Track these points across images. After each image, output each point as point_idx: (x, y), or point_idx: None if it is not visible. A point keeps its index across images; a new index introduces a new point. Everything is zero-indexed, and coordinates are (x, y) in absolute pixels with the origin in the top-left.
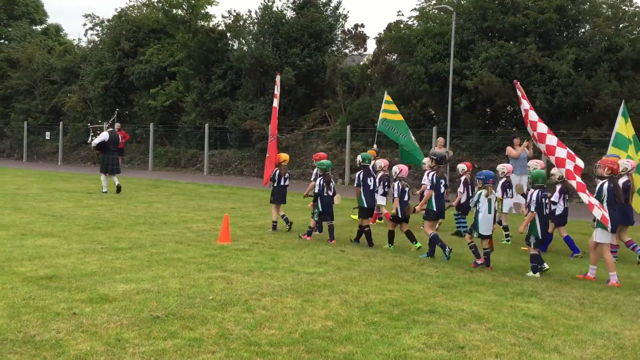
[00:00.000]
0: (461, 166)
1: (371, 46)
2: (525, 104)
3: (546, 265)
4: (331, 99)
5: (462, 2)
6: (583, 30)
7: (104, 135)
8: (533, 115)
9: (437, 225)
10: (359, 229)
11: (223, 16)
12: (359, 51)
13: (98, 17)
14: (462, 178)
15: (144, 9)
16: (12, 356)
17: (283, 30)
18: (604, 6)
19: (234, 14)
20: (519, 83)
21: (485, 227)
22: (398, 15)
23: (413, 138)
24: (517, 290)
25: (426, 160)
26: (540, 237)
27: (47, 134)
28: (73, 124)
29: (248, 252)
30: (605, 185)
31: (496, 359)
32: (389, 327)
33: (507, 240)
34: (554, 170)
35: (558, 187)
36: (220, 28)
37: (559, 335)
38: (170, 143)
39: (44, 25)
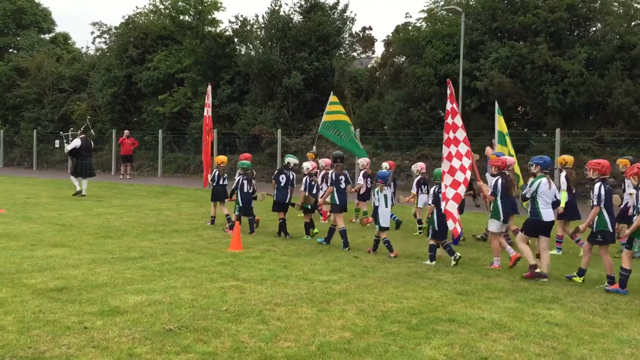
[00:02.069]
0: (384, 164)
1: (379, 49)
2: (449, 105)
3: (458, 254)
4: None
5: (471, 3)
6: (594, 28)
7: (76, 142)
8: (458, 120)
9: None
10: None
11: (230, 21)
12: (367, 54)
13: (105, 25)
14: (362, 172)
15: (151, 15)
16: None
17: (290, 34)
18: (615, 4)
19: (241, 19)
20: (450, 83)
21: (384, 219)
22: (406, 17)
23: (356, 136)
24: (538, 297)
25: (361, 160)
26: (437, 229)
27: (57, 142)
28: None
29: (260, 260)
30: (499, 181)
31: None
32: (408, 337)
33: (420, 232)
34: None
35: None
36: (227, 33)
37: (584, 344)
38: (180, 149)
39: (52, 34)
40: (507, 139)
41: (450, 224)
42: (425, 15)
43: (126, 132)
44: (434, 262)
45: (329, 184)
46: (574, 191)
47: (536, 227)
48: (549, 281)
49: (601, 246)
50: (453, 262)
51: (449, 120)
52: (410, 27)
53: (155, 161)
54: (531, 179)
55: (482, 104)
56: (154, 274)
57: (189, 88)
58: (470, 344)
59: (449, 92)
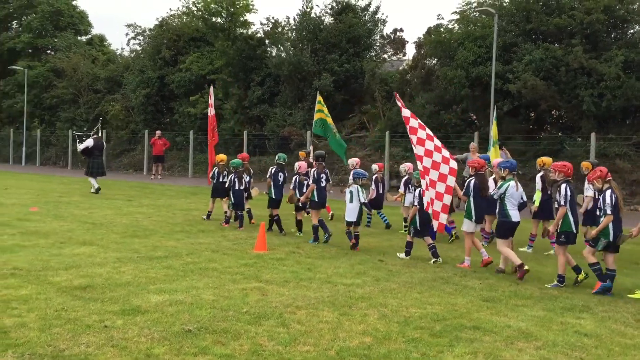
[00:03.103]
0: (374, 167)
1: (410, 51)
2: (405, 112)
3: (440, 260)
4: (370, 105)
5: (505, 4)
6: (632, 30)
7: (89, 142)
8: (413, 122)
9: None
10: (269, 219)
11: (261, 23)
12: (398, 56)
13: (140, 26)
14: (374, 177)
15: (184, 17)
16: None
17: (321, 36)
18: None
19: (273, 20)
20: (397, 95)
21: (349, 214)
22: (438, 18)
23: (337, 136)
24: (567, 305)
25: (350, 161)
26: (419, 228)
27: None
28: (116, 132)
29: (284, 262)
30: (472, 182)
31: None
32: (431, 344)
33: (405, 230)
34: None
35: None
36: (258, 35)
37: (614, 356)
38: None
39: (89, 36)
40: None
41: (435, 224)
42: (458, 16)
43: (158, 132)
44: (408, 257)
45: (310, 182)
46: (549, 192)
47: (507, 228)
48: (579, 290)
49: (561, 246)
50: (432, 261)
51: (412, 124)
52: (442, 29)
53: (186, 162)
54: (500, 182)
55: (515, 107)
56: (177, 274)
57: (219, 89)
58: (495, 353)
59: (399, 103)
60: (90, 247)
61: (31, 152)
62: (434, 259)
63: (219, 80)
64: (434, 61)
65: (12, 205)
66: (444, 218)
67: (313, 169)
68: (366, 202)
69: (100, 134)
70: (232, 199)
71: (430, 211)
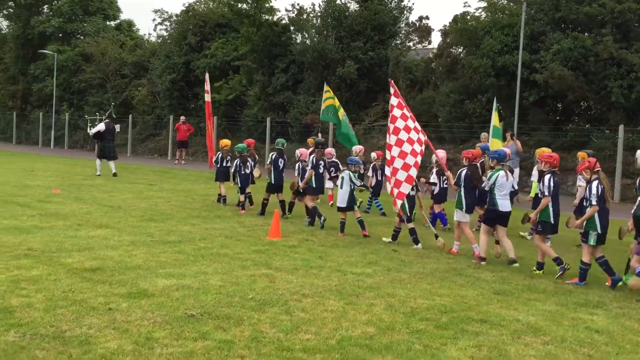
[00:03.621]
0: (372, 154)
1: (436, 39)
2: (393, 100)
3: (420, 246)
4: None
5: None
6: None
7: (100, 126)
8: (396, 112)
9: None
10: (263, 202)
11: (287, 10)
12: (423, 44)
13: (167, 12)
14: (372, 164)
15: (210, 3)
16: (38, 352)
17: (346, 23)
18: None
19: (298, 7)
20: (392, 81)
21: (340, 200)
22: (464, 6)
23: (348, 123)
24: (581, 300)
25: (355, 147)
26: (409, 215)
27: (117, 126)
28: (142, 116)
29: (296, 249)
30: (464, 173)
31: None
32: (435, 336)
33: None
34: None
35: (434, 170)
36: (283, 22)
37: (624, 354)
38: (234, 136)
39: (118, 21)
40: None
41: (399, 203)
42: (485, 4)
43: (182, 118)
44: (419, 244)
45: (309, 168)
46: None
47: (493, 217)
48: (595, 285)
49: (538, 235)
50: (413, 247)
51: (395, 113)
52: (468, 17)
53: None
54: (489, 172)
55: (541, 97)
56: (188, 259)
57: (244, 76)
58: (500, 347)
59: (392, 90)
60: (106, 230)
61: (60, 136)
62: (414, 245)
63: (243, 67)
64: (460, 50)
65: (36, 187)
66: (398, 203)
67: (312, 155)
68: (366, 185)
69: (112, 119)
70: (239, 182)
71: (394, 193)
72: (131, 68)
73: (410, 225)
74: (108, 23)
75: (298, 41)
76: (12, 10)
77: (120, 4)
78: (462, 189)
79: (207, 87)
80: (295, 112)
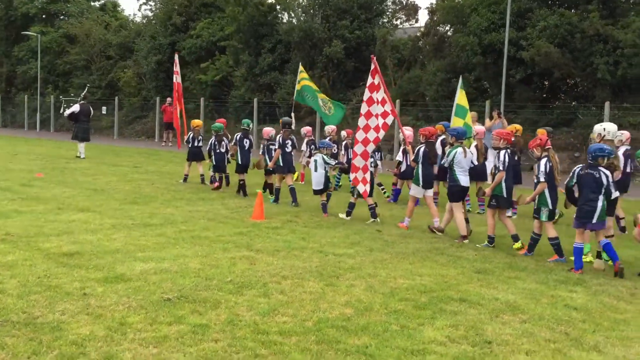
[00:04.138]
0: (342, 133)
1: (423, 17)
2: (374, 80)
3: (378, 220)
4: (381, 73)
5: None
6: None
7: (75, 107)
8: (373, 94)
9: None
10: (239, 183)
11: None
12: (410, 22)
13: None
14: (344, 143)
15: None
16: (8, 339)
17: (332, 1)
18: None
19: None
20: (374, 58)
21: (315, 183)
22: None
23: (321, 103)
24: (562, 278)
25: (327, 128)
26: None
27: (104, 108)
28: (128, 98)
29: (279, 231)
30: (422, 150)
31: (526, 357)
32: (412, 316)
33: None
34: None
35: (401, 148)
36: (270, 1)
37: (601, 331)
38: (221, 117)
39: (102, 1)
40: (469, 114)
41: (361, 187)
42: None
43: (168, 99)
44: (349, 217)
45: (276, 147)
46: (516, 157)
47: (457, 191)
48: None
49: (495, 210)
50: (371, 221)
51: (375, 96)
52: None
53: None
54: (448, 149)
55: (528, 75)
56: (168, 242)
57: (230, 56)
58: (477, 326)
59: (372, 66)
60: (87, 214)
61: (46, 119)
62: (372, 219)
63: (229, 47)
64: (447, 28)
65: (18, 170)
66: (362, 188)
67: (279, 135)
68: (341, 162)
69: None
70: (214, 161)
71: (356, 175)
72: (116, 49)
73: (370, 201)
74: (92, 4)
75: (284, 21)
76: None
77: None
78: (420, 165)
79: (177, 68)
80: (282, 92)
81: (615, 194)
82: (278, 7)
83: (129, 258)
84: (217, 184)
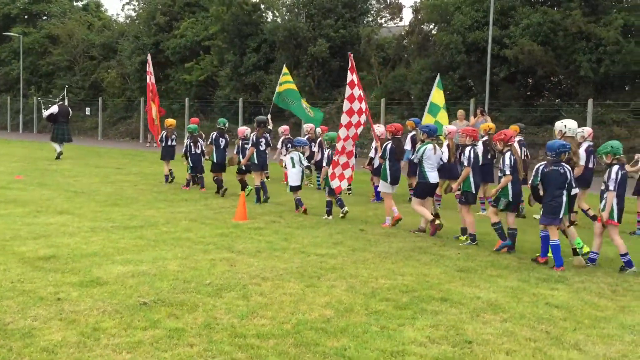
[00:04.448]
0: (317, 130)
1: (407, 16)
2: (353, 77)
3: (346, 209)
4: (366, 72)
5: None
6: None
7: (54, 109)
8: (354, 91)
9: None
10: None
11: None
12: (395, 21)
13: None
14: (318, 140)
15: None
16: None
17: (317, 1)
18: None
19: None
20: (351, 55)
21: (292, 179)
22: None
23: (304, 105)
24: (544, 276)
25: (305, 126)
26: (333, 187)
27: (87, 109)
28: (112, 99)
29: (262, 232)
30: (389, 146)
31: (507, 357)
32: (393, 317)
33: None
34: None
35: (373, 145)
36: (254, 0)
37: (582, 329)
38: (206, 118)
39: (85, 1)
40: (443, 112)
41: (335, 182)
42: None
43: None
44: (330, 217)
45: (249, 146)
46: (489, 156)
47: (425, 189)
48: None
49: (463, 205)
50: (341, 215)
51: (355, 92)
52: None
53: (182, 129)
54: (418, 145)
55: (512, 73)
56: (148, 244)
57: (215, 56)
58: (458, 326)
59: (350, 64)
60: (65, 216)
61: (28, 120)
62: (341, 213)
63: (214, 47)
64: (432, 26)
65: None
66: (345, 184)
67: (253, 133)
68: (309, 166)
69: (65, 101)
70: (190, 162)
71: (334, 171)
72: (99, 50)
73: (329, 198)
74: (75, 4)
75: (269, 20)
76: None
77: None
78: (387, 162)
79: (150, 68)
80: (267, 92)
81: (575, 190)
82: (262, 6)
83: (106, 261)
84: (201, 187)
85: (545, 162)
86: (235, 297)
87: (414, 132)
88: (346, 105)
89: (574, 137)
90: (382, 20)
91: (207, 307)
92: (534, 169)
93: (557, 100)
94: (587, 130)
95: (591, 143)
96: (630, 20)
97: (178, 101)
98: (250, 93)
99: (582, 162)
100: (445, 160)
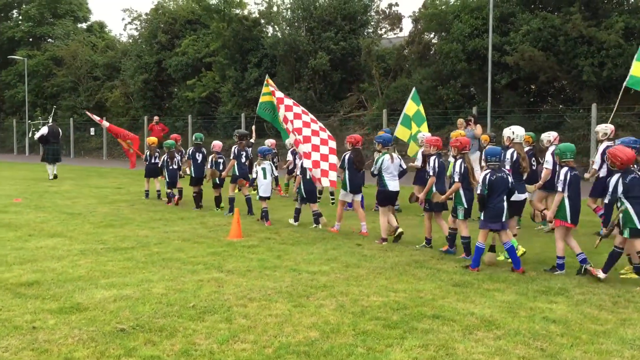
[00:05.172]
0: (289, 141)
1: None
2: (279, 94)
3: (320, 226)
4: (367, 83)
5: None
6: None
7: (44, 130)
8: (287, 101)
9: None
10: (193, 196)
11: (256, 2)
12: (395, 32)
13: (136, 11)
14: (291, 150)
15: (180, 0)
16: None
17: (316, 13)
18: None
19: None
20: (268, 77)
21: (263, 190)
22: None
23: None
24: (543, 288)
25: (288, 141)
26: (305, 195)
27: (92, 130)
28: (116, 118)
29: (255, 250)
30: (347, 156)
31: None
32: (381, 337)
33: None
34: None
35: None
36: (254, 15)
37: (579, 345)
38: (209, 134)
39: (89, 23)
40: (413, 123)
41: (326, 180)
42: None
43: (155, 118)
44: (297, 223)
45: (231, 158)
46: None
47: (385, 197)
48: (559, 271)
49: (430, 213)
50: (314, 225)
51: (287, 102)
52: (437, 2)
53: (185, 147)
54: (376, 156)
55: (514, 80)
56: (136, 266)
57: (216, 72)
58: (448, 345)
59: (270, 88)
60: (56, 239)
61: (35, 142)
62: (315, 224)
63: (215, 63)
64: (432, 35)
65: None
66: (333, 175)
67: (234, 146)
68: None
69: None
70: (167, 177)
71: (315, 173)
72: (103, 70)
73: (298, 205)
74: (79, 25)
75: (269, 34)
76: None
77: (91, 5)
78: (347, 171)
79: (95, 118)
80: None
81: (522, 195)
82: (262, 21)
83: (90, 285)
84: (177, 197)
85: (489, 170)
86: (218, 321)
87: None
88: (289, 114)
89: (521, 143)
90: (382, 31)
91: (187, 332)
92: (481, 178)
93: (560, 106)
94: (553, 134)
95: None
96: (632, 22)
97: (182, 118)
98: (252, 108)
99: (549, 166)
100: (404, 167)
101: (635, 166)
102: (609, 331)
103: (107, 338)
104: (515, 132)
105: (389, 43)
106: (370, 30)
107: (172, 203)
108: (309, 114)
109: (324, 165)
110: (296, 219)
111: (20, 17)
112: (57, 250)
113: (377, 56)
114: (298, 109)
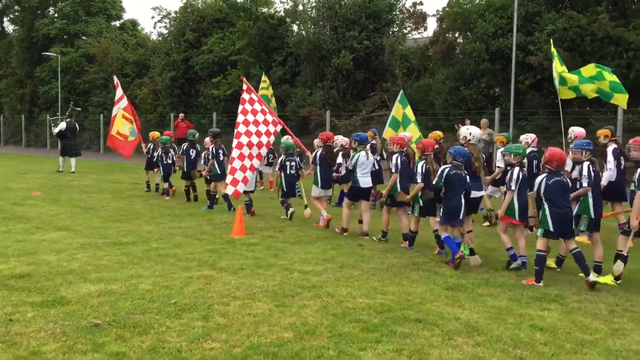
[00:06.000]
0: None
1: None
2: (246, 96)
3: (291, 210)
4: (390, 82)
5: None
6: None
7: (62, 125)
8: (252, 106)
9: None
10: (185, 190)
11: (282, 1)
12: (419, 31)
13: (165, 9)
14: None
15: None
16: None
17: (341, 12)
18: None
19: None
20: (245, 79)
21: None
22: None
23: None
24: (538, 294)
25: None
26: (285, 190)
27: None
28: (144, 115)
29: (253, 247)
30: (319, 153)
31: None
32: (357, 340)
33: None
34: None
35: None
36: (279, 14)
37: (562, 354)
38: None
39: (122, 21)
40: (413, 125)
41: (231, 189)
42: None
43: (181, 115)
44: (290, 211)
45: (210, 157)
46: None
47: (356, 193)
48: (560, 278)
49: (390, 208)
50: (287, 217)
51: (253, 107)
52: (462, 0)
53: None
54: (352, 153)
55: (538, 80)
56: (131, 261)
57: (241, 70)
58: (423, 351)
59: (245, 86)
60: (61, 233)
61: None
62: (287, 216)
63: (240, 61)
64: (456, 35)
65: (18, 189)
66: (241, 187)
67: (211, 145)
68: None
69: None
70: (162, 172)
71: (233, 178)
72: (133, 67)
73: (283, 199)
74: (112, 23)
75: (294, 33)
76: (17, 14)
77: (125, 3)
78: (318, 167)
79: (118, 88)
80: (293, 105)
81: (480, 192)
82: (288, 19)
83: (79, 279)
84: (173, 188)
85: (450, 165)
86: (195, 318)
87: (374, 142)
88: (240, 117)
89: (476, 145)
90: (407, 31)
91: (161, 329)
92: (439, 171)
93: (587, 108)
94: (531, 136)
95: (535, 149)
96: None
97: (207, 116)
98: (276, 106)
99: (502, 164)
100: (377, 167)
101: (592, 167)
102: (597, 341)
103: (79, 333)
104: (472, 133)
105: (413, 42)
106: (395, 30)
107: (169, 197)
108: (269, 124)
109: (239, 176)
110: (287, 210)
111: (56, 15)
112: (59, 244)
113: (400, 55)
114: (261, 117)
